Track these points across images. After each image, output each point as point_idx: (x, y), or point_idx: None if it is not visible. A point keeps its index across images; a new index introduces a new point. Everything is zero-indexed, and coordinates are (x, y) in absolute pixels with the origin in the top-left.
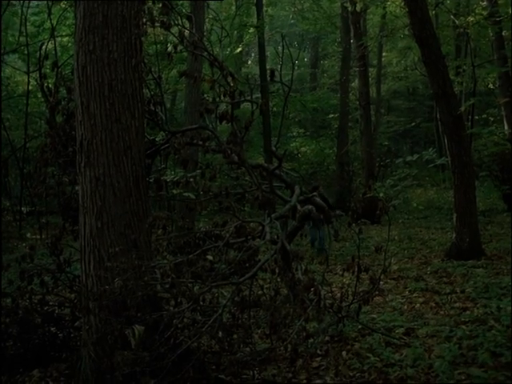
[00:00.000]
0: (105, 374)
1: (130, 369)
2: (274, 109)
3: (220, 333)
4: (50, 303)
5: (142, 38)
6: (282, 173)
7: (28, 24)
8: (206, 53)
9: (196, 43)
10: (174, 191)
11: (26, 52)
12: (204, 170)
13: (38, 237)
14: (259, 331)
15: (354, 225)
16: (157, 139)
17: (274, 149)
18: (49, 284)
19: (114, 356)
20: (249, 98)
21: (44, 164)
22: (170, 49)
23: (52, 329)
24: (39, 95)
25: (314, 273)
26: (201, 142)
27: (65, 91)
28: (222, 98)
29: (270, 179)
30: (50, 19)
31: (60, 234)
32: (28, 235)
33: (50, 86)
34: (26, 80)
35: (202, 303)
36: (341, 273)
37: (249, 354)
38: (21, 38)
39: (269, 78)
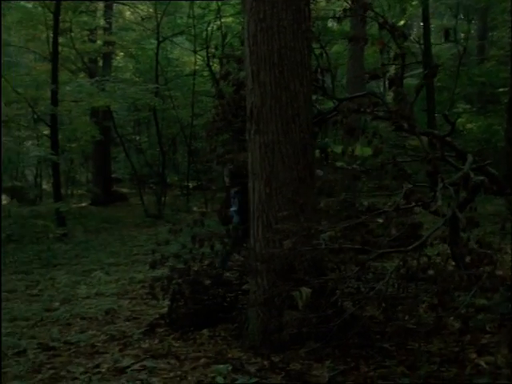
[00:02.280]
0: (271, 335)
1: (297, 329)
2: (438, 84)
3: (383, 304)
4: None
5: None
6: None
7: (195, 6)
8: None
9: (366, 6)
10: (339, 163)
11: (192, 33)
12: (371, 138)
13: (204, 210)
14: (423, 305)
15: None
16: (322, 108)
17: (446, 113)
18: (218, 248)
19: (282, 316)
20: (412, 71)
21: (215, 133)
22: (338, 14)
23: (220, 291)
24: (205, 74)
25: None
26: (368, 110)
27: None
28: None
29: (441, 146)
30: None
31: (229, 200)
32: (194, 209)
33: (216, 64)
34: (193, 60)
35: (367, 271)
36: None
37: (414, 325)
38: (188, 20)
39: (443, 39)
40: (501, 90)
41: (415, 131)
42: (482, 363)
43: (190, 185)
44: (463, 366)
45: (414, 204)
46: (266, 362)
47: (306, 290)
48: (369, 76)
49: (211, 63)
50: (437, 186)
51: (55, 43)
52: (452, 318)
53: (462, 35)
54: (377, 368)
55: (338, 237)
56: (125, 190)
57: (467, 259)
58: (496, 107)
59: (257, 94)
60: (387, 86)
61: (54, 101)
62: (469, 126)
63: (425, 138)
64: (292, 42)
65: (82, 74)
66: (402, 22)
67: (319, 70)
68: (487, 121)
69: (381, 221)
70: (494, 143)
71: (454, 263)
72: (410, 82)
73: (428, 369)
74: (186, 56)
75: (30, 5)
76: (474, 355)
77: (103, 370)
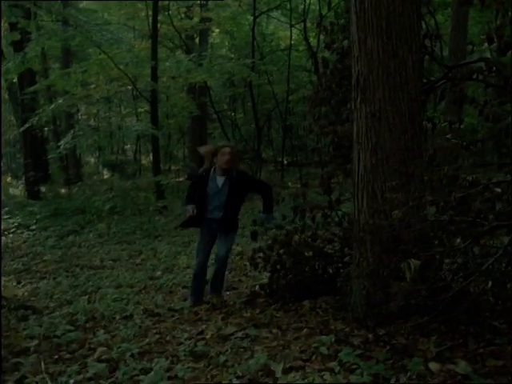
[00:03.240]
0: (375, 307)
1: (405, 301)
2: None
3: (490, 282)
4: (319, 240)
5: None
6: None
7: None
8: None
9: None
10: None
11: (288, 7)
12: (482, 107)
13: (299, 186)
14: None
15: None
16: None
17: None
18: (319, 220)
19: (389, 288)
20: None
21: (318, 103)
22: None
23: (321, 262)
24: (301, 48)
25: None
26: (481, 77)
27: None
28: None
29: None
30: None
31: (332, 172)
32: (289, 184)
33: (312, 38)
34: (289, 35)
35: (477, 246)
36: None
37: None
38: None
39: None
40: None
41: None
42: None
43: (285, 160)
44: None
45: None
46: (370, 335)
47: (414, 262)
48: (486, 39)
49: (308, 36)
50: None
51: (155, 20)
52: None
53: None
54: (486, 346)
55: (448, 208)
56: None
57: None
58: None
59: (363, 61)
60: (501, 51)
61: (154, 77)
62: None
63: None
64: (400, 6)
65: (179, 51)
66: None
67: (428, 36)
68: None
69: (499, 190)
70: None
71: None
72: None
73: None
74: (281, 31)
75: None
76: None
77: (207, 337)
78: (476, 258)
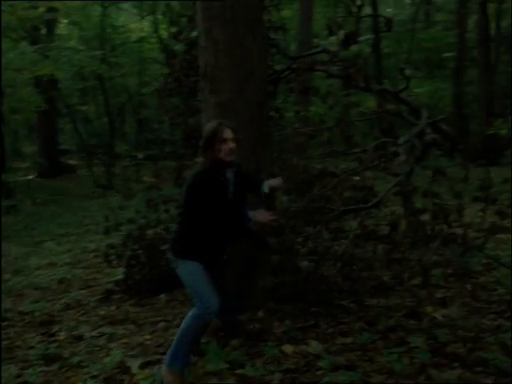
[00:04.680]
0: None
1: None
2: (386, 49)
3: (339, 264)
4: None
5: None
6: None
7: None
8: None
9: None
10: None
11: None
12: (325, 96)
13: (154, 180)
14: (380, 263)
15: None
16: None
17: (404, 67)
18: (174, 213)
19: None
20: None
21: (167, 94)
22: None
23: None
24: (152, 41)
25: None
26: (322, 67)
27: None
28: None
29: (397, 102)
30: None
31: (183, 163)
32: (144, 178)
33: (163, 30)
34: (140, 27)
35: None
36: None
37: (372, 283)
38: None
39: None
40: (447, 54)
41: (370, 89)
42: (438, 316)
43: (140, 155)
44: (420, 319)
45: (377, 161)
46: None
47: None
48: (328, 31)
49: (159, 28)
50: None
51: None
52: (407, 274)
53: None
54: (336, 325)
55: (299, 197)
56: (73, 162)
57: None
58: (443, 72)
59: (210, 51)
60: (342, 42)
61: None
62: (416, 91)
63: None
64: None
65: (24, 43)
66: None
67: (272, 27)
68: (434, 86)
69: (358, 178)
70: (441, 108)
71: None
72: (358, 47)
73: (386, 323)
74: (132, 23)
75: None
76: (430, 309)
77: (60, 338)
78: (325, 241)
